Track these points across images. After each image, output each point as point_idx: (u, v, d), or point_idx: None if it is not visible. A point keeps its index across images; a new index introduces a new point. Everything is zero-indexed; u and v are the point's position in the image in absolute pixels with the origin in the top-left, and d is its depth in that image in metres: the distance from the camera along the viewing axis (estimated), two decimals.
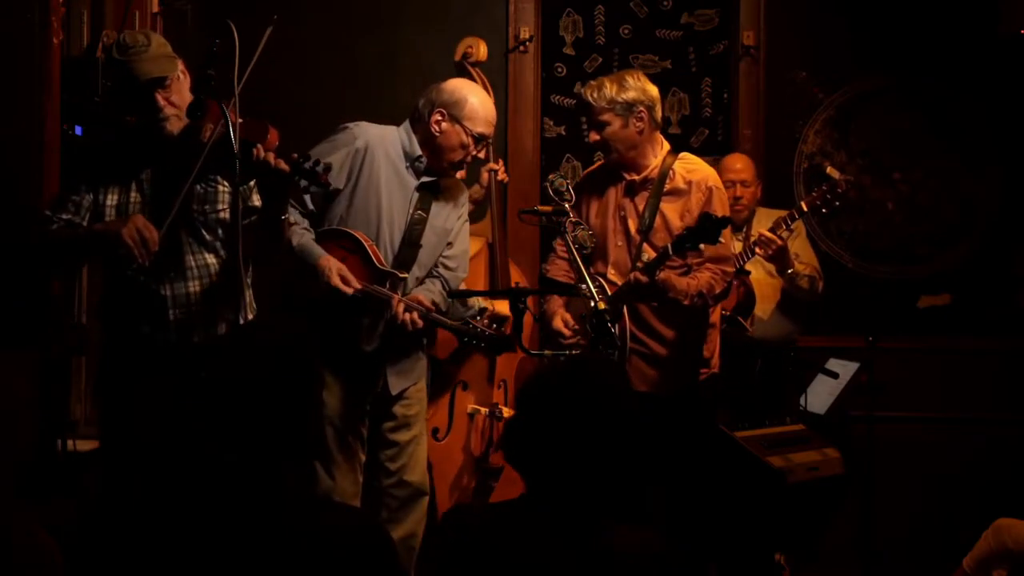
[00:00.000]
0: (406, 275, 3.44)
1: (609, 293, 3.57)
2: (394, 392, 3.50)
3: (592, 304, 3.25)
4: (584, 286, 3.32)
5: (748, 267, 4.42)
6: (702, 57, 5.18)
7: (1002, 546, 3.60)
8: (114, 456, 3.13)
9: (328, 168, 3.03)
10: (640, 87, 3.67)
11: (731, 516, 3.70)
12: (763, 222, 4.46)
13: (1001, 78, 4.96)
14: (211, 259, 3.12)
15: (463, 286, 3.74)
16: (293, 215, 3.35)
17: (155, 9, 4.71)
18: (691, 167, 3.77)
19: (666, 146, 3.79)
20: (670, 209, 3.71)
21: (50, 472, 3.69)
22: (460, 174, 3.66)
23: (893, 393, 4.25)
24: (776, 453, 3.76)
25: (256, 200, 3.07)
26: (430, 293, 3.48)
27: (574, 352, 3.62)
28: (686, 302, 3.60)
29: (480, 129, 3.45)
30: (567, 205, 3.50)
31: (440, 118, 3.44)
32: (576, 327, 3.71)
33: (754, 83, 5.05)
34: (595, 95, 3.66)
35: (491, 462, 4.14)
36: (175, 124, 3.04)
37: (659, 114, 3.72)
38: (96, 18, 4.35)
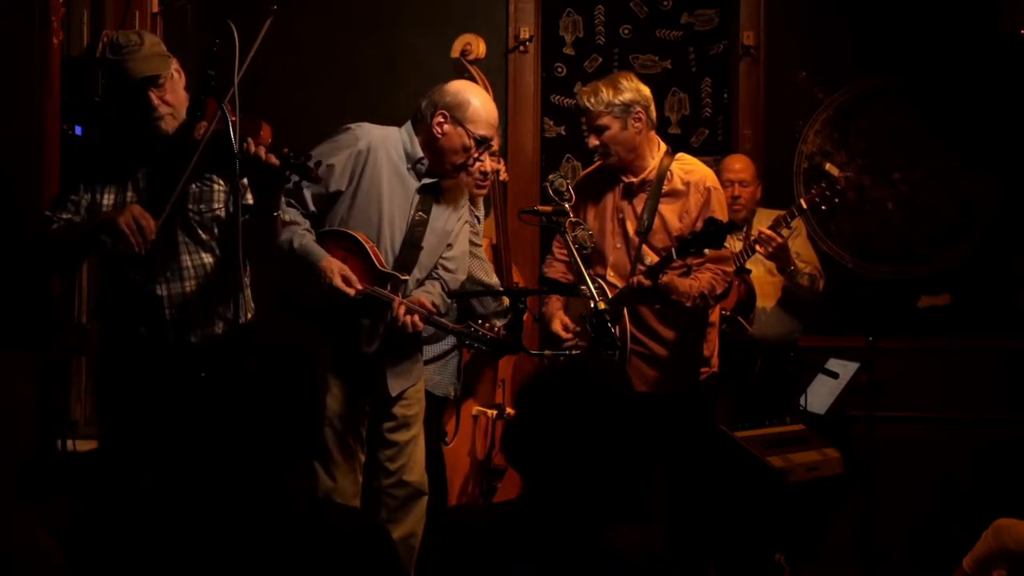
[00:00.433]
0: (407, 277, 3.44)
1: (608, 294, 3.57)
2: (394, 393, 3.50)
3: (592, 304, 3.25)
4: (584, 287, 3.32)
5: (748, 265, 4.42)
6: (702, 57, 5.18)
7: (1002, 546, 3.60)
8: (113, 456, 3.13)
9: (319, 163, 3.02)
10: (635, 88, 3.68)
11: (731, 516, 3.71)
12: (763, 222, 4.46)
13: (1001, 78, 4.96)
14: (207, 258, 3.12)
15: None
16: (293, 215, 3.35)
17: (155, 9, 4.71)
18: (688, 168, 3.77)
19: (663, 147, 3.79)
20: (668, 211, 3.71)
21: (50, 472, 3.69)
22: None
23: (893, 393, 4.25)
24: (776, 453, 3.76)
25: (249, 198, 3.07)
26: (430, 295, 3.47)
27: (574, 352, 3.62)
28: (688, 304, 3.60)
29: (482, 132, 3.44)
30: (567, 205, 3.50)
31: (442, 120, 3.43)
32: (576, 328, 3.71)
33: (754, 83, 5.05)
34: (592, 99, 3.67)
35: (495, 463, 4.14)
36: (170, 123, 3.04)
37: (654, 114, 3.73)
38: (96, 18, 4.35)
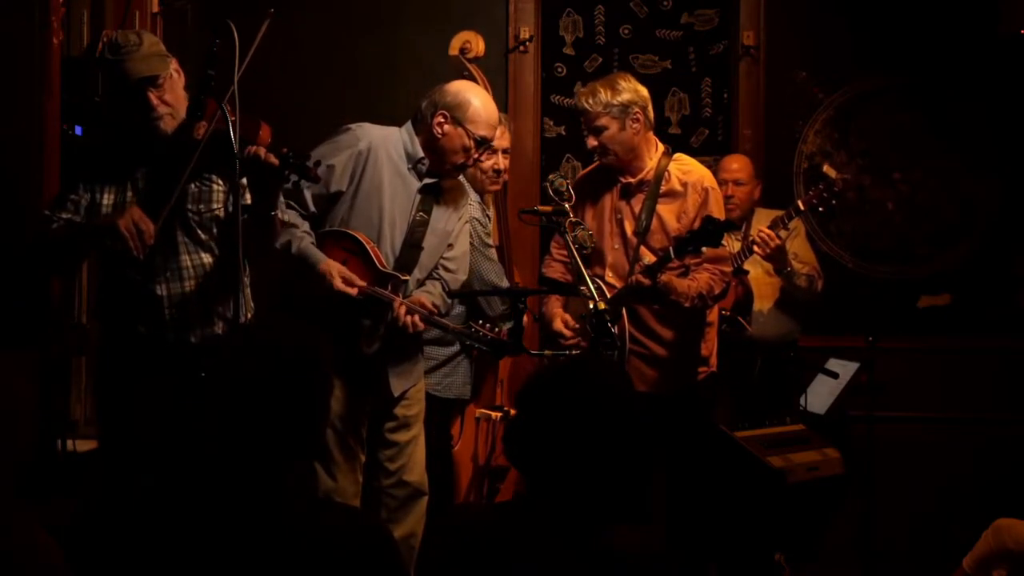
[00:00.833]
0: (407, 277, 3.44)
1: (608, 295, 3.57)
2: (396, 394, 3.50)
3: (592, 304, 3.25)
4: (584, 287, 3.32)
5: (746, 266, 4.42)
6: (702, 57, 5.18)
7: (1002, 546, 3.60)
8: (113, 456, 3.13)
9: (319, 163, 3.02)
10: (633, 88, 3.69)
11: (731, 516, 3.70)
12: (762, 222, 4.46)
13: (1001, 78, 4.96)
14: (207, 258, 3.12)
15: None
16: (293, 216, 3.35)
17: (155, 9, 4.71)
18: (686, 168, 3.77)
19: (661, 147, 3.80)
20: (666, 211, 3.72)
21: (50, 472, 3.69)
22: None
23: (893, 393, 4.24)
24: (776, 453, 3.76)
25: (247, 197, 3.07)
26: (431, 295, 3.47)
27: (574, 352, 3.62)
28: (687, 304, 3.60)
29: (482, 132, 3.44)
30: (567, 205, 3.50)
31: (442, 120, 3.43)
32: (576, 327, 3.72)
33: (754, 83, 5.05)
34: (590, 101, 3.67)
35: (497, 464, 4.14)
36: (169, 123, 3.04)
37: (652, 114, 3.73)
38: (96, 18, 4.35)
